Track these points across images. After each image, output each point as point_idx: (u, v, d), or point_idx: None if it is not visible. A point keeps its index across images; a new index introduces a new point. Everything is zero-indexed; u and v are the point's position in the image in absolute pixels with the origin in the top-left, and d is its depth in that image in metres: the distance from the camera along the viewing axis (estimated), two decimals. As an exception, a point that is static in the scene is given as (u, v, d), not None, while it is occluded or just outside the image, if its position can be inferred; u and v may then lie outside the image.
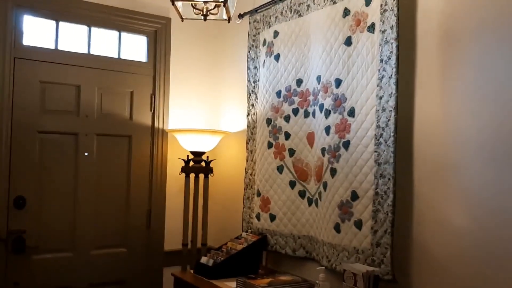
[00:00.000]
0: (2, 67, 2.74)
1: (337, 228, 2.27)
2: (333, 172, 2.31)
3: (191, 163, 3.20)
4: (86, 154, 3.04)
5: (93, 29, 3.11)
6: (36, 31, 2.93)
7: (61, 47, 2.99)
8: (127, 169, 3.20)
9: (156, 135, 3.29)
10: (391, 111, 2.05)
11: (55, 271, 2.92)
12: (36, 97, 2.88)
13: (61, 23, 3.00)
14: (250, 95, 3.03)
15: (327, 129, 2.37)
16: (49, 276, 2.89)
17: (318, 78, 2.48)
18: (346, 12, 2.33)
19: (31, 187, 2.84)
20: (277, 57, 2.81)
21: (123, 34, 3.23)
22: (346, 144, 2.25)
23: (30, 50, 2.88)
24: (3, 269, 2.74)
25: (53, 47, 2.97)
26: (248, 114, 3.04)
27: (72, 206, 2.99)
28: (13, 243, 2.76)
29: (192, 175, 3.22)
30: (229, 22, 2.07)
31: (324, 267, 2.22)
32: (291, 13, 2.73)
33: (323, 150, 2.41)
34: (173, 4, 1.94)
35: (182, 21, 2.10)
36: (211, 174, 3.25)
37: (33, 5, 2.87)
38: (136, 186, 3.21)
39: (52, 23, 2.97)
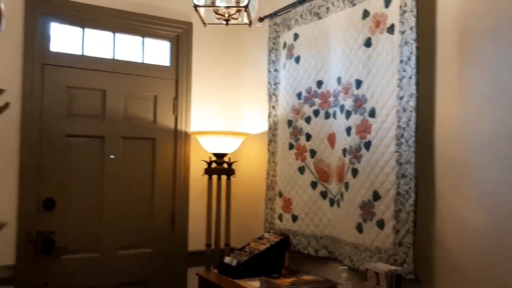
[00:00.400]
0: (31, 73, 2.83)
1: (359, 228, 2.29)
2: (355, 172, 2.33)
3: (214, 165, 3.25)
4: (111, 156, 3.11)
5: (118, 35, 3.20)
6: (63, 38, 3.02)
7: (87, 53, 3.08)
8: (151, 171, 3.27)
9: (179, 138, 3.35)
10: (411, 111, 2.06)
11: (82, 271, 3.00)
12: (63, 102, 2.97)
13: (87, 30, 3.09)
14: (271, 97, 3.07)
15: (348, 130, 2.39)
16: (77, 276, 2.97)
17: (338, 80, 2.50)
18: (366, 13, 2.35)
19: (59, 189, 2.93)
20: (297, 59, 2.84)
21: (147, 39, 3.31)
22: (367, 145, 2.27)
23: (58, 56, 2.97)
24: (33, 269, 2.82)
25: (79, 53, 3.06)
26: (269, 116, 3.07)
27: (99, 208, 3.07)
28: (43, 243, 2.84)
29: (214, 177, 3.27)
30: (250, 26, 2.11)
31: (346, 267, 2.24)
32: (310, 16, 2.76)
33: (344, 150, 2.43)
34: (196, 10, 1.99)
35: (205, 26, 2.15)
36: (233, 176, 3.29)
37: (60, 13, 2.96)
38: (160, 188, 3.28)
39: (79, 29, 3.07)
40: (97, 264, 3.04)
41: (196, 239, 3.35)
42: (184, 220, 3.35)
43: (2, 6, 1.00)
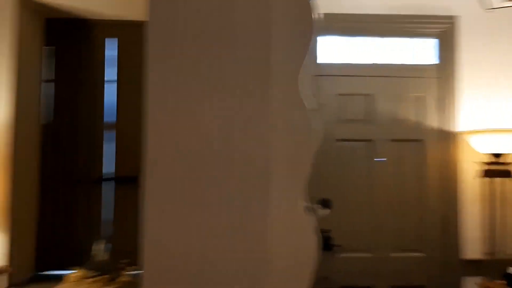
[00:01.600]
0: (306, 86, 3.11)
1: None
2: None
3: (489, 167, 2.97)
4: (380, 159, 3.16)
5: (381, 39, 3.25)
6: (329, 49, 3.23)
7: (352, 60, 3.22)
8: (420, 173, 3.19)
9: (448, 139, 3.19)
10: None
11: (357, 269, 3.12)
12: (334, 109, 3.17)
13: (351, 38, 3.23)
14: None
15: None
16: (352, 274, 3.11)
17: None
18: None
19: (334, 190, 3.13)
20: None
21: (410, 40, 3.26)
22: None
23: (327, 67, 3.19)
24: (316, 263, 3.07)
25: (345, 61, 3.22)
26: (562, 109, 2.66)
27: (370, 209, 3.15)
28: (323, 240, 3.07)
29: (491, 180, 2.99)
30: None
31: None
32: None
33: None
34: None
35: (491, 9, 1.97)
36: (515, 178, 2.96)
37: (327, 26, 3.17)
38: (429, 191, 3.18)
39: (343, 39, 3.23)
40: (370, 265, 3.13)
41: (471, 247, 3.12)
42: (455, 225, 3.15)
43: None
